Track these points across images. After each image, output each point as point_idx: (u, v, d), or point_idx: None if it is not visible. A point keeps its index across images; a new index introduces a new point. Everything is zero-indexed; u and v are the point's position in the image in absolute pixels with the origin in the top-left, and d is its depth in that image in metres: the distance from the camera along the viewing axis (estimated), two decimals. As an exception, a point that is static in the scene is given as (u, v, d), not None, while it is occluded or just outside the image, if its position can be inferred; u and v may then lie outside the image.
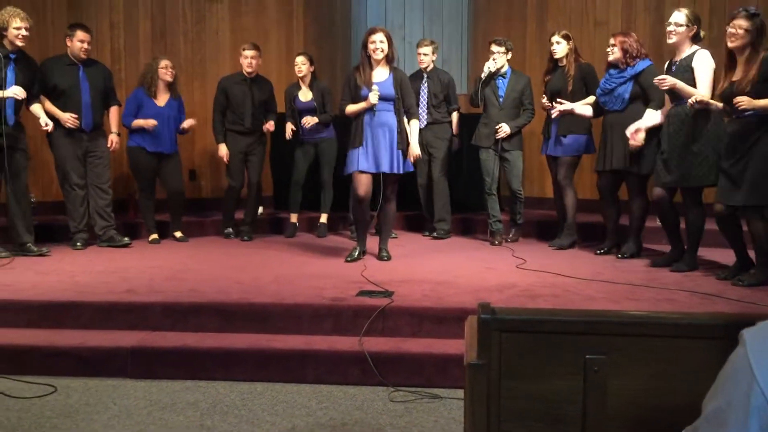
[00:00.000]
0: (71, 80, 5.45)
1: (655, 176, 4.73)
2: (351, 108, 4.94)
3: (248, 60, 6.07)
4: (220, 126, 6.15)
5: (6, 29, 4.96)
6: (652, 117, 4.82)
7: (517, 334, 1.58)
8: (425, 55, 6.12)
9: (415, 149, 4.99)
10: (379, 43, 4.87)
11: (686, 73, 4.48)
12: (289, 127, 6.18)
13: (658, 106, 4.83)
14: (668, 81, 4.38)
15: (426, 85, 6.14)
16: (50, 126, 5.21)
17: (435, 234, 6.20)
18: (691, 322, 1.56)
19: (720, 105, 4.22)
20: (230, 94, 6.11)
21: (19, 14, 5.01)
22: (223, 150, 6.13)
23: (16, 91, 4.90)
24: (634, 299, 3.88)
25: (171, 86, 5.97)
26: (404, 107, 4.96)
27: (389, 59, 4.95)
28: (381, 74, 4.95)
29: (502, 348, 1.58)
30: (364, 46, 4.94)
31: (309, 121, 6.04)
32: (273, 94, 6.32)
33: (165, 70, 5.89)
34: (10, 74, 4.99)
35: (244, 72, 6.11)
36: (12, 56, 5.02)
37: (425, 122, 6.07)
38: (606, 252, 5.33)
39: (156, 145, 5.86)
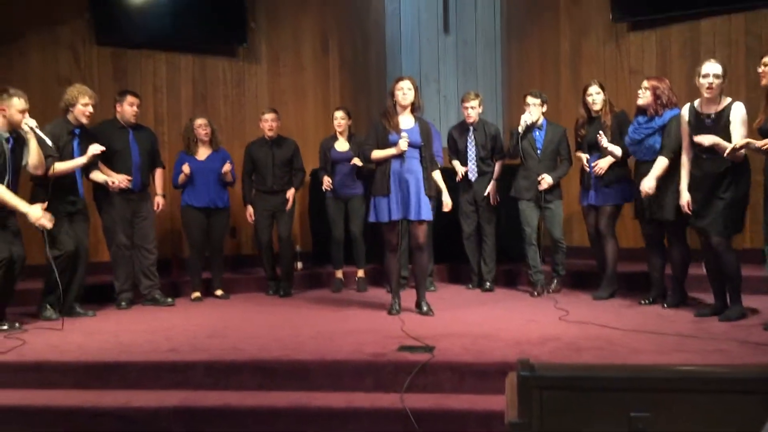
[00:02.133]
0: (123, 143, 5.64)
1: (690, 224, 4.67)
2: (378, 153, 5.01)
3: (268, 123, 6.23)
4: (248, 188, 6.32)
5: (74, 105, 5.22)
6: (661, 163, 4.86)
7: (558, 391, 1.55)
8: (472, 108, 6.08)
9: (447, 200, 5.10)
10: (406, 90, 4.99)
11: (725, 130, 4.40)
12: (327, 180, 6.27)
13: (670, 153, 4.81)
14: (708, 140, 4.33)
15: (473, 137, 6.12)
16: (117, 182, 5.41)
17: (486, 287, 6.15)
18: (737, 376, 1.52)
19: (757, 143, 4.16)
20: (255, 158, 6.26)
21: (87, 92, 5.27)
22: (248, 210, 6.29)
23: (94, 150, 5.15)
24: (682, 351, 3.77)
25: (211, 142, 6.14)
26: (428, 157, 5.04)
27: (414, 108, 5.04)
28: (407, 122, 5.05)
29: (543, 406, 1.55)
30: (391, 93, 5.06)
31: (357, 161, 6.09)
32: (298, 152, 6.40)
33: (199, 129, 6.08)
34: (76, 149, 5.25)
35: (266, 135, 6.26)
36: (76, 131, 5.26)
37: (475, 175, 6.10)
38: (651, 302, 5.21)
39: (203, 200, 6.01)
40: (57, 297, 5.14)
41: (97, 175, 5.48)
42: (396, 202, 4.93)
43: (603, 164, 5.43)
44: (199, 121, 6.14)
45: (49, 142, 4.92)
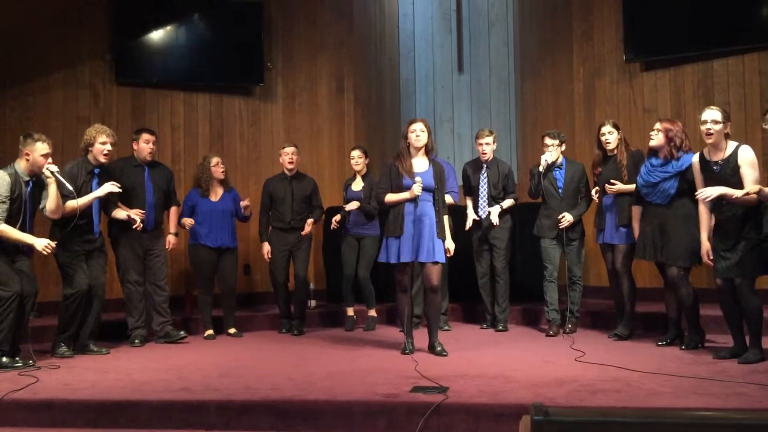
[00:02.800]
0: (137, 181, 5.71)
1: (713, 270, 4.62)
2: (392, 197, 5.02)
3: (288, 157, 6.29)
4: (264, 225, 6.33)
5: (92, 145, 5.29)
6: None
7: (573, 436, 1.53)
8: (487, 144, 6.10)
9: (450, 244, 5.03)
10: (419, 131, 5.01)
11: (736, 175, 4.40)
12: (336, 218, 6.29)
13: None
14: (710, 194, 4.32)
15: (486, 175, 6.12)
16: (138, 219, 5.48)
17: (499, 327, 6.10)
18: (754, 422, 1.48)
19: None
20: (273, 193, 6.30)
21: (105, 131, 5.34)
22: (265, 248, 6.28)
23: (109, 189, 5.19)
24: (701, 394, 3.70)
25: (223, 181, 6.19)
26: (440, 200, 5.04)
27: (428, 149, 5.06)
28: (421, 165, 5.06)
29: (558, 452, 1.52)
30: (405, 136, 5.07)
31: (350, 206, 6.11)
32: (317, 190, 6.44)
33: (216, 168, 6.13)
34: (95, 188, 5.30)
35: (285, 170, 6.31)
36: (96, 171, 5.33)
37: (485, 212, 6.09)
38: (669, 343, 5.15)
39: (215, 240, 6.05)
40: (71, 334, 5.16)
41: (118, 213, 5.54)
42: (408, 244, 4.92)
43: (618, 187, 5.38)
44: (216, 160, 6.18)
45: (70, 187, 4.99)
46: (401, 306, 5.12)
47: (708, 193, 4.34)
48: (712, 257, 4.59)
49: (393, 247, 4.97)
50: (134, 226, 5.48)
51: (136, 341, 5.61)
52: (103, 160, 5.33)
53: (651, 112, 6.94)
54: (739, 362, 4.43)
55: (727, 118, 4.51)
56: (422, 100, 9.21)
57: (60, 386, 4.17)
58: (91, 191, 5.27)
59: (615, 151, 5.53)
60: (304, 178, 6.42)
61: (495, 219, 5.97)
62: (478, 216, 6.11)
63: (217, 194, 6.16)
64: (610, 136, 5.52)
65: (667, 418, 1.54)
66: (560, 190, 5.85)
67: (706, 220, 4.64)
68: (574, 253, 5.86)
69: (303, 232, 6.24)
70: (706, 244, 4.62)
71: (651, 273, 6.27)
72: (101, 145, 5.28)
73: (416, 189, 4.90)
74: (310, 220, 6.28)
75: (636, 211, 5.28)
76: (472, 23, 9.14)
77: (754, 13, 6.43)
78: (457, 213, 6.01)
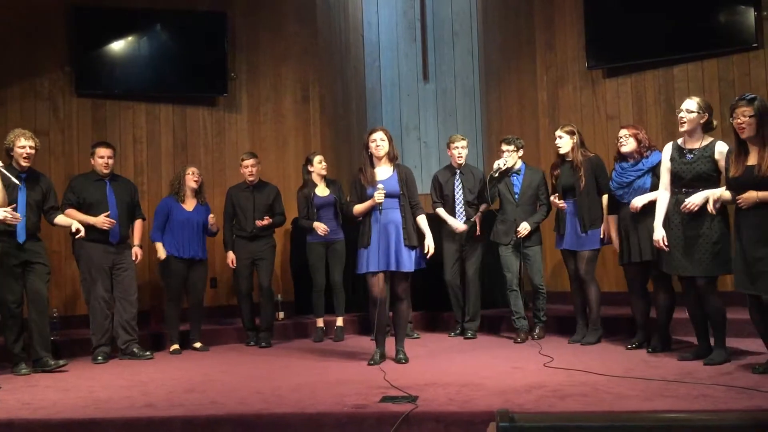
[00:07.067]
0: (99, 195, 5.60)
1: (670, 267, 4.64)
2: (358, 208, 5.02)
3: (249, 169, 6.26)
4: (229, 234, 6.28)
5: (12, 150, 5.12)
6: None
7: (540, 443, 1.51)
8: (463, 149, 6.12)
9: (430, 243, 4.98)
10: (379, 141, 4.99)
11: (708, 164, 4.47)
12: (321, 226, 6.22)
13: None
14: (698, 198, 4.36)
15: (459, 180, 6.13)
16: (82, 231, 5.23)
17: (468, 335, 6.08)
18: (721, 423, 1.48)
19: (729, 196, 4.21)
20: (236, 202, 6.26)
21: (24, 134, 5.16)
22: (230, 256, 6.23)
23: (6, 214, 4.74)
24: (667, 396, 3.72)
25: (197, 193, 6.14)
26: (410, 203, 5.01)
27: (391, 157, 5.04)
28: (385, 172, 5.04)
29: (525, 459, 1.51)
30: (366, 146, 5.05)
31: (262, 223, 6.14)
32: (279, 197, 6.43)
33: (191, 176, 6.08)
34: (21, 194, 5.07)
35: (246, 180, 6.27)
36: (22, 176, 5.12)
37: (462, 219, 6.08)
38: (637, 347, 5.18)
39: (186, 251, 5.99)
40: (20, 352, 5.03)
41: (61, 219, 5.32)
42: (376, 254, 4.90)
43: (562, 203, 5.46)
44: (191, 169, 6.16)
45: (14, 179, 4.81)
46: (373, 317, 5.08)
47: (693, 201, 4.38)
48: (666, 244, 4.59)
49: (363, 257, 4.96)
50: (75, 233, 5.21)
51: (99, 358, 5.48)
52: (24, 164, 5.12)
53: (614, 118, 7.02)
54: (704, 363, 4.47)
55: (703, 108, 4.55)
56: (388, 108, 9.22)
57: (19, 405, 4.05)
58: (16, 197, 5.02)
59: (570, 156, 5.56)
60: (266, 186, 6.38)
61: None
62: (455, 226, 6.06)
63: (190, 204, 6.10)
64: (560, 140, 5.57)
65: (633, 422, 1.53)
66: (516, 196, 5.87)
67: (664, 208, 4.64)
68: (531, 262, 5.86)
69: (259, 223, 6.13)
70: (660, 231, 4.62)
71: (617, 276, 6.32)
72: (20, 149, 5.09)
73: (377, 196, 4.88)
74: (266, 218, 6.17)
75: (612, 220, 5.31)
76: (437, 32, 9.19)
77: (712, 19, 6.54)
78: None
